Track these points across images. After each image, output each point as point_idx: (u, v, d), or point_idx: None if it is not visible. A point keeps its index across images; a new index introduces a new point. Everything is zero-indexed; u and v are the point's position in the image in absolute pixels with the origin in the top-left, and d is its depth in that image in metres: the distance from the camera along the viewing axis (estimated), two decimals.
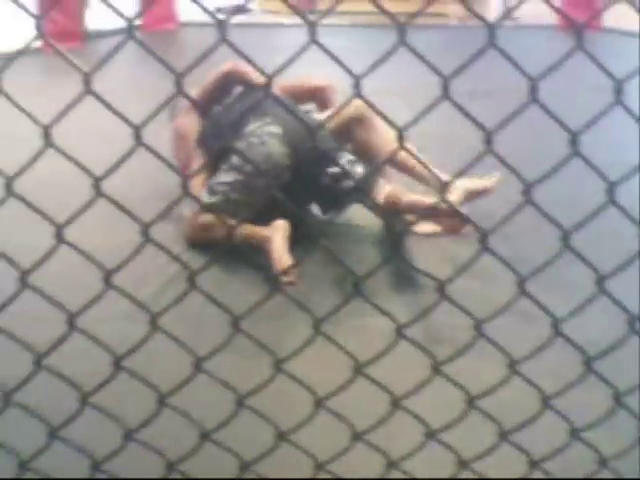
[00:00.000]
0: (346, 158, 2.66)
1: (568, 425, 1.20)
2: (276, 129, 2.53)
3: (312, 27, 0.90)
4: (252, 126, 2.56)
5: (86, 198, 0.95)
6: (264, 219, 2.40)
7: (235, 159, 2.52)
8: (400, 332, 1.07)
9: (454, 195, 2.48)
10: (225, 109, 2.78)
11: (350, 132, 2.61)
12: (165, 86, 0.98)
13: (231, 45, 0.90)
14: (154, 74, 2.85)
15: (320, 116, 2.73)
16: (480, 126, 0.96)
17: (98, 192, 0.93)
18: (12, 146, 2.74)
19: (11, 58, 0.90)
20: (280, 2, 1.03)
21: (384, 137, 2.56)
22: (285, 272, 2.23)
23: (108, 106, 0.89)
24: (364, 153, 2.65)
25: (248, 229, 2.39)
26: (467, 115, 0.94)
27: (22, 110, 0.91)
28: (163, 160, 0.98)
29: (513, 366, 1.14)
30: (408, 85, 4.65)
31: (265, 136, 2.52)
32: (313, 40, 0.91)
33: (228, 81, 2.87)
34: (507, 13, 1.06)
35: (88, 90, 0.86)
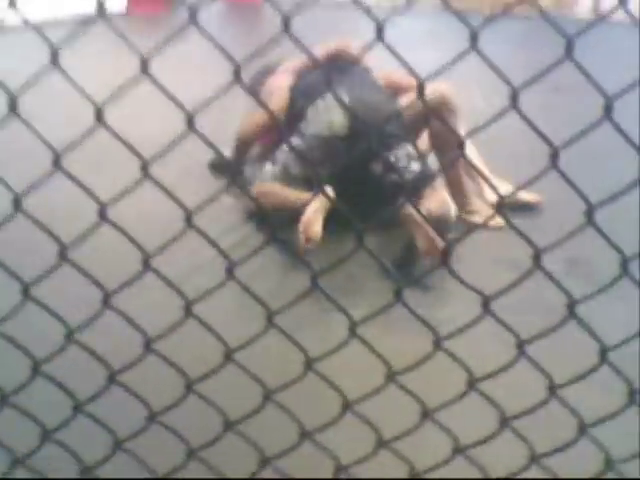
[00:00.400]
0: (406, 150, 2.56)
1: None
2: (345, 98, 2.53)
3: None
4: (327, 95, 2.58)
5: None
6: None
7: (302, 124, 2.57)
8: (438, 345, 1.04)
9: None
10: (316, 76, 2.77)
11: (428, 120, 2.59)
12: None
13: (202, 30, 0.87)
14: (238, 42, 2.80)
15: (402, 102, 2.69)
16: (547, 141, 0.91)
17: (146, 174, 0.91)
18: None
19: (89, 22, 0.88)
20: None
21: (457, 136, 2.51)
22: (308, 240, 2.26)
23: (164, 90, 0.87)
24: (436, 145, 2.62)
25: (296, 195, 2.44)
26: (535, 130, 0.88)
27: (78, 89, 0.89)
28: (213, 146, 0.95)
29: (554, 388, 1.10)
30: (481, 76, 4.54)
31: (331, 104, 2.53)
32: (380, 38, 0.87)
33: (335, 58, 2.83)
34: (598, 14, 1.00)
35: (144, 71, 0.84)
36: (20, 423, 1.18)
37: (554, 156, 0.93)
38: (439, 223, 2.35)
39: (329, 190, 2.31)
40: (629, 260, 1.01)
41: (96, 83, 0.92)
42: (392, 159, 2.54)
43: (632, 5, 0.89)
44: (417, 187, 2.50)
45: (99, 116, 0.90)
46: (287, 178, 2.51)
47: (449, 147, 2.58)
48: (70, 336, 1.04)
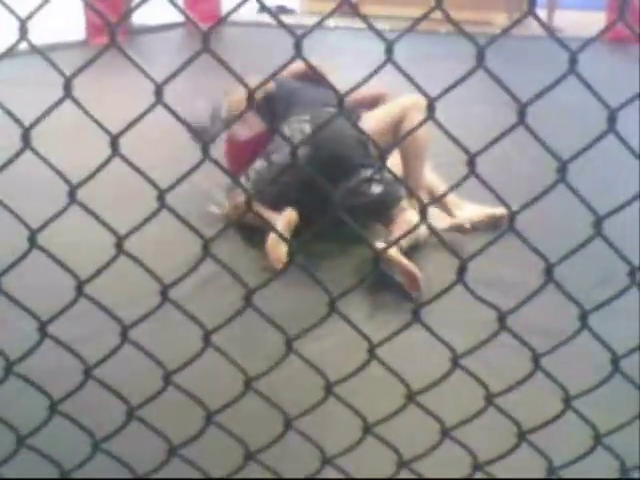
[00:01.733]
0: (366, 175, 2.57)
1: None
2: (307, 128, 2.60)
3: (390, 45, 0.87)
4: (292, 118, 2.65)
5: None
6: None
7: (270, 146, 2.63)
8: (456, 362, 1.04)
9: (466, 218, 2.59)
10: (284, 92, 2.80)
11: (400, 124, 2.61)
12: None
13: (214, 55, 0.89)
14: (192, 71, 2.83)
15: (367, 121, 2.70)
16: (555, 156, 0.93)
17: (162, 204, 0.92)
18: None
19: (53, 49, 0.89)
20: (327, 4, 1.01)
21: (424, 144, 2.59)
22: (275, 260, 2.34)
23: (176, 115, 0.87)
24: (405, 154, 2.64)
25: (265, 213, 2.48)
26: (543, 144, 0.90)
27: (91, 117, 0.90)
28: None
29: (569, 401, 1.11)
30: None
31: (295, 132, 2.59)
32: (389, 59, 0.88)
33: (303, 77, 2.89)
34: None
35: (158, 99, 0.85)
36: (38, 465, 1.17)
37: (562, 170, 0.94)
38: (412, 249, 2.41)
39: (292, 212, 2.42)
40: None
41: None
42: (352, 185, 2.54)
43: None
44: (379, 210, 2.55)
45: (114, 146, 0.90)
46: (257, 195, 2.57)
47: (415, 146, 2.61)
48: (87, 373, 1.03)
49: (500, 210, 2.66)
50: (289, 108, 2.72)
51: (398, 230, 2.43)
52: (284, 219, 2.43)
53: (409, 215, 2.49)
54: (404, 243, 2.33)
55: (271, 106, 2.76)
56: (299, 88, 2.85)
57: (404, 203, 2.57)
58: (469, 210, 2.72)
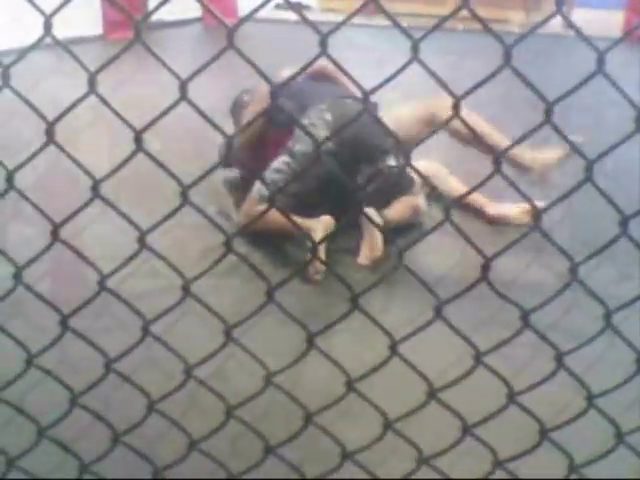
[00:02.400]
0: (389, 162, 2.64)
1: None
2: (328, 116, 2.60)
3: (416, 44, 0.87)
4: (310, 110, 2.65)
5: None
6: (310, 213, 2.43)
7: (290, 142, 2.61)
8: (479, 359, 1.04)
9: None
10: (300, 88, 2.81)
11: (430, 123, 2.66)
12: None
13: (239, 52, 0.88)
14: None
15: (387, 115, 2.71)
16: (582, 155, 0.92)
17: (185, 200, 0.92)
18: None
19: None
20: (346, 1, 1.01)
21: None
22: (317, 269, 2.30)
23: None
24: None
25: (295, 219, 2.41)
26: (573, 147, 0.90)
27: (117, 114, 0.90)
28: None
29: (591, 399, 1.10)
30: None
31: (316, 121, 2.59)
32: (416, 58, 0.88)
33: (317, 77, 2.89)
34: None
35: (183, 95, 0.85)
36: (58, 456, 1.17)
37: (589, 169, 0.94)
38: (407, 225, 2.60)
39: (329, 218, 2.38)
40: None
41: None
42: (374, 170, 2.62)
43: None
44: (392, 192, 2.67)
45: (138, 142, 0.91)
46: (279, 196, 2.52)
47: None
48: (108, 366, 1.04)
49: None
50: (303, 103, 2.71)
51: (401, 205, 2.66)
52: (321, 227, 2.37)
53: (417, 199, 2.71)
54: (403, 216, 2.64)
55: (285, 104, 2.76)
56: (309, 85, 2.85)
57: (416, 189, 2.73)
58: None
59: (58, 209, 1.00)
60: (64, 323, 1.03)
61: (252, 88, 3.00)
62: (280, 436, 1.12)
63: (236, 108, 3.08)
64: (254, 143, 2.83)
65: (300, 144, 2.59)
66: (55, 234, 0.97)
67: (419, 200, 2.74)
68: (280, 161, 2.61)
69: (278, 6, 7.48)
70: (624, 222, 0.97)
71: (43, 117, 0.94)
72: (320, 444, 1.18)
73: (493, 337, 1.06)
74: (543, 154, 2.70)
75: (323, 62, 0.91)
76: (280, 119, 2.75)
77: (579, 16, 8.04)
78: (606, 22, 6.99)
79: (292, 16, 6.84)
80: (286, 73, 2.92)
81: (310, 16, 0.96)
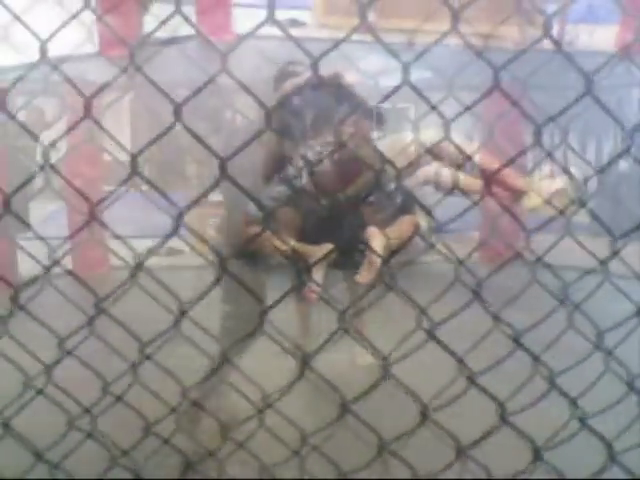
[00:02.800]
0: (389, 189, 2.63)
1: None
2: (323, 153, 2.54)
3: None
4: (317, 140, 2.57)
5: None
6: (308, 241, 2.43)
7: (290, 169, 2.54)
8: (472, 380, 1.04)
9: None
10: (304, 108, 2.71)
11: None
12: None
13: (231, 75, 0.89)
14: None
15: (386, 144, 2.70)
16: (590, 163, 0.93)
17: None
18: None
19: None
20: (342, 18, 1.01)
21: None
22: (313, 290, 2.29)
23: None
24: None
25: (296, 244, 2.42)
26: (581, 158, 0.91)
27: (110, 136, 0.91)
28: None
29: (584, 420, 1.11)
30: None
31: (320, 155, 2.53)
32: (405, 81, 0.89)
33: (331, 85, 2.85)
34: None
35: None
36: None
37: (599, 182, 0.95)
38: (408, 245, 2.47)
39: (329, 246, 2.37)
40: None
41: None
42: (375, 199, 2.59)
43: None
44: (395, 212, 2.63)
45: (177, 115, 0.91)
46: (273, 223, 2.51)
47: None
48: (105, 390, 1.04)
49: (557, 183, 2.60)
50: (304, 127, 2.65)
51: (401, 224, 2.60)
52: (325, 250, 2.37)
53: (415, 218, 2.66)
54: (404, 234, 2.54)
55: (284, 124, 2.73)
56: (308, 105, 2.80)
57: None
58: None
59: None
60: (61, 346, 1.03)
61: (296, 60, 2.93)
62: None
63: (282, 76, 2.99)
64: (277, 157, 2.78)
65: (300, 178, 2.53)
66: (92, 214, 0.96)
67: (419, 219, 2.73)
68: (279, 188, 2.58)
69: (274, 24, 7.50)
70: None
71: (80, 92, 0.94)
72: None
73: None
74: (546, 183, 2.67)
75: (339, 70, 0.91)
76: (289, 133, 2.69)
77: (574, 30, 8.08)
78: (600, 37, 7.02)
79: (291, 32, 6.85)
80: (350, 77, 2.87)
81: (305, 33, 0.97)
